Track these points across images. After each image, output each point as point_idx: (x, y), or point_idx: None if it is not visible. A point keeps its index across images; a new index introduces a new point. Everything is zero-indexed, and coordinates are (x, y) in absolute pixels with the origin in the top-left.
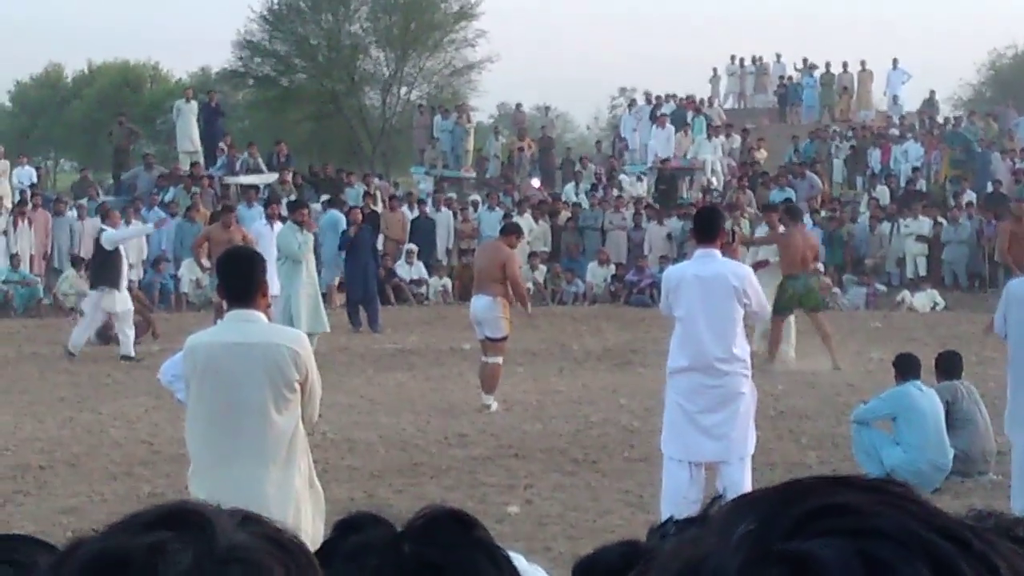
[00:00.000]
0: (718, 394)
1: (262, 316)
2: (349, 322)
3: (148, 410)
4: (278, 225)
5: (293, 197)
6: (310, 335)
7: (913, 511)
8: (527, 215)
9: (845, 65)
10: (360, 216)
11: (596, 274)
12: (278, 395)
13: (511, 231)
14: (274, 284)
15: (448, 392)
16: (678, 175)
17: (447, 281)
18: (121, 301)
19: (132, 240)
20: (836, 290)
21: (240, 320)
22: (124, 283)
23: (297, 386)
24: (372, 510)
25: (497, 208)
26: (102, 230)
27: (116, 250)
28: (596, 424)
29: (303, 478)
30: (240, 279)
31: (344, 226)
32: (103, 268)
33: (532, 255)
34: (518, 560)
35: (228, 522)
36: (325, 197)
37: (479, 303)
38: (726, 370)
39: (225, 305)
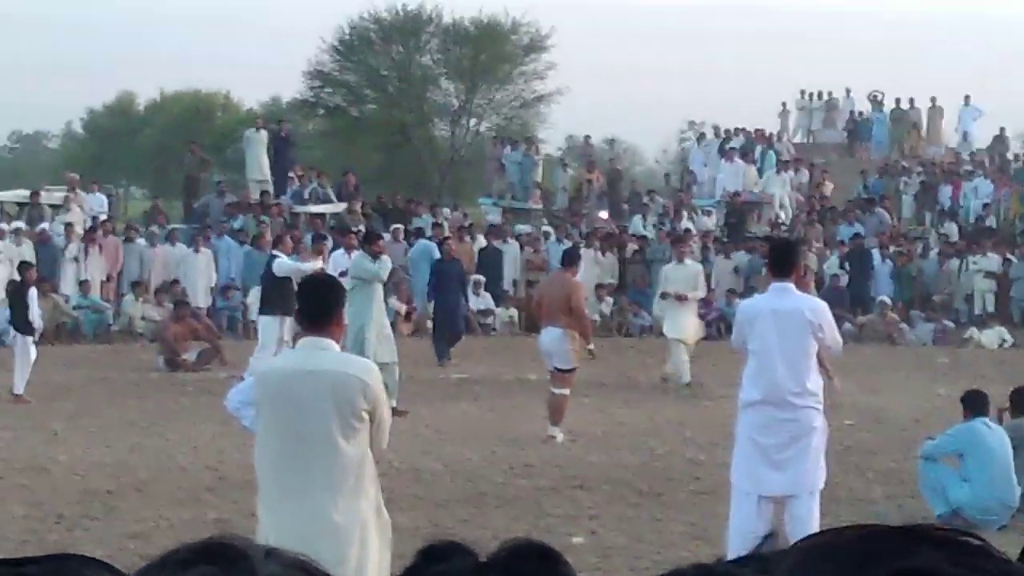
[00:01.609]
0: (791, 428)
1: (335, 344)
2: (436, 354)
3: (215, 437)
4: (356, 254)
5: (362, 227)
6: (382, 365)
7: (992, 570)
8: (595, 247)
9: (915, 101)
10: (452, 249)
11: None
12: (346, 424)
13: (572, 258)
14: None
15: (514, 422)
16: (746, 209)
17: (514, 312)
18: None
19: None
20: (904, 326)
21: (312, 347)
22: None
23: (365, 416)
24: (455, 539)
25: (565, 240)
26: (273, 256)
27: (287, 278)
28: (661, 456)
29: (371, 507)
30: (317, 305)
31: (436, 255)
32: (274, 294)
33: (599, 287)
34: None
35: (260, 555)
36: (395, 226)
37: (547, 335)
38: (800, 404)
39: (300, 331)
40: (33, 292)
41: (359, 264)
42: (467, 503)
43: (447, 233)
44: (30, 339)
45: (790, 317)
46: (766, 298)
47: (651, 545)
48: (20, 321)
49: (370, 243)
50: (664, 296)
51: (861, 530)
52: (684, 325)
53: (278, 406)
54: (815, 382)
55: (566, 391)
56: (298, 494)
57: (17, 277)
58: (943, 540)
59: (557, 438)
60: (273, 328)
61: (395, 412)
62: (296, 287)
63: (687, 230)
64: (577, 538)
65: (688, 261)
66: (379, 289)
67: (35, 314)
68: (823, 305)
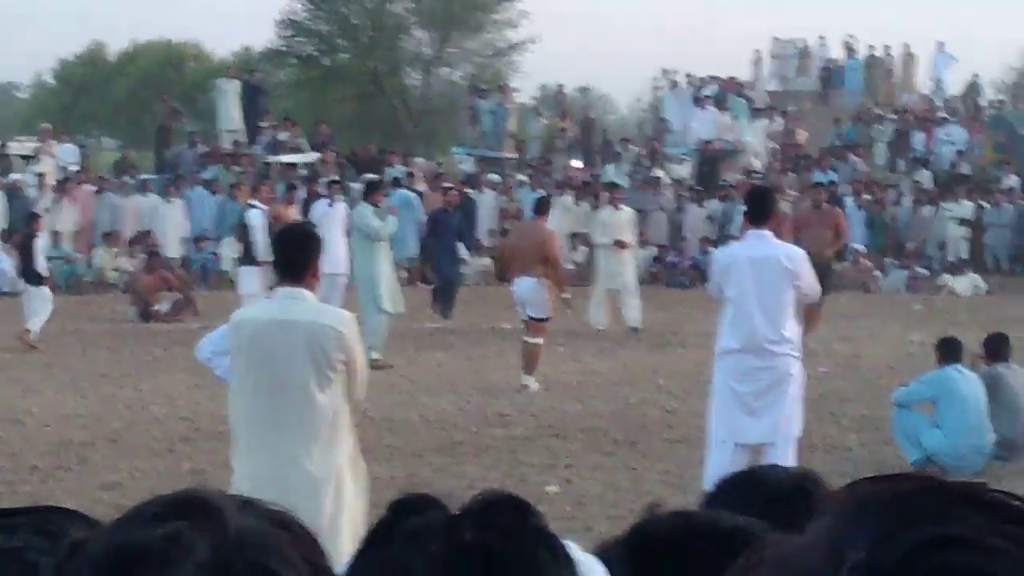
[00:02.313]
0: (768, 375)
1: (310, 294)
2: (440, 311)
3: (189, 387)
4: (339, 206)
5: (335, 177)
6: (384, 315)
7: None
8: (568, 196)
9: (889, 48)
10: (456, 199)
11: (637, 256)
12: (321, 375)
13: (545, 207)
14: (339, 263)
15: (488, 372)
16: (720, 157)
17: (488, 261)
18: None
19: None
20: (877, 273)
21: (288, 297)
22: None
23: (340, 366)
24: (426, 492)
25: (539, 189)
26: (251, 206)
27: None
28: (636, 405)
29: (346, 456)
30: (294, 256)
31: (416, 205)
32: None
33: (573, 236)
34: (572, 549)
35: (233, 507)
36: (368, 176)
37: (522, 284)
38: (777, 351)
39: (275, 280)
40: (38, 242)
41: (362, 218)
42: (442, 453)
43: (449, 184)
44: (40, 289)
45: (767, 264)
46: (743, 246)
47: (626, 493)
48: (28, 271)
49: (371, 194)
50: (604, 245)
51: (904, 484)
52: (624, 273)
53: (253, 356)
54: (792, 329)
55: (540, 340)
56: (273, 444)
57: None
58: (987, 503)
59: (531, 387)
60: (255, 279)
61: (375, 364)
62: (273, 239)
63: (656, 178)
64: (552, 487)
65: (623, 207)
66: (387, 240)
67: (41, 263)
68: (800, 252)
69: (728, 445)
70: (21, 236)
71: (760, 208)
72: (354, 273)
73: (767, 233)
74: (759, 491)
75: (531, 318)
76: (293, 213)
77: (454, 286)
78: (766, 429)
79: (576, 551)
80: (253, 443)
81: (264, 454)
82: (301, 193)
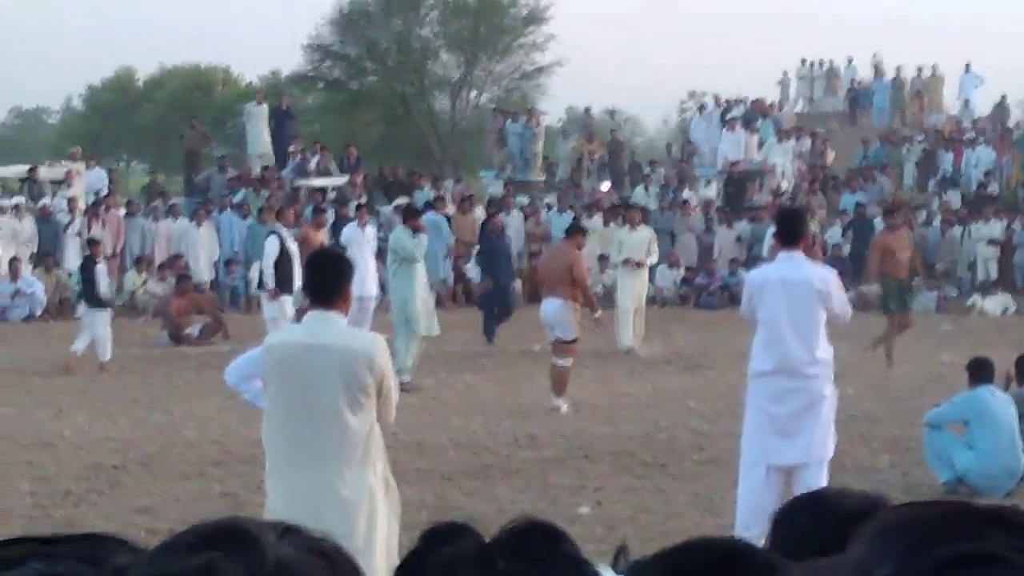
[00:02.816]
0: (802, 397)
1: (342, 319)
2: (485, 333)
3: (220, 411)
4: (369, 229)
5: (364, 199)
6: (415, 338)
7: None
8: (596, 218)
9: (919, 70)
10: (501, 224)
11: (665, 277)
12: (352, 398)
13: (576, 232)
14: (369, 286)
15: (518, 394)
16: (747, 178)
17: (517, 283)
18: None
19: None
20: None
21: (319, 321)
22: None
23: (372, 390)
24: (460, 520)
25: (568, 211)
26: (272, 231)
27: (289, 256)
28: (665, 427)
29: (378, 479)
30: (326, 280)
31: (445, 229)
32: (277, 272)
33: (602, 258)
34: (606, 572)
35: (272, 536)
36: (399, 200)
37: (549, 306)
38: (810, 373)
39: (307, 304)
40: (101, 267)
41: (399, 241)
42: (472, 475)
43: (492, 210)
44: (103, 313)
45: (799, 286)
46: (775, 267)
47: (656, 515)
48: (90, 295)
49: (410, 219)
50: (619, 264)
51: (931, 507)
52: (639, 293)
53: (285, 380)
54: (825, 351)
55: (568, 362)
56: (306, 467)
57: (13, 253)
58: (1014, 523)
59: (561, 409)
60: (270, 304)
61: (403, 387)
62: (304, 263)
63: (686, 200)
64: (582, 509)
65: (641, 227)
66: (421, 262)
67: (103, 287)
68: (832, 274)
69: (761, 467)
70: (84, 261)
71: (791, 229)
72: (389, 296)
73: (798, 254)
74: (829, 514)
75: (559, 340)
76: (322, 236)
77: (509, 312)
78: (799, 451)
79: (610, 575)
80: (286, 467)
81: (297, 478)
82: (329, 216)
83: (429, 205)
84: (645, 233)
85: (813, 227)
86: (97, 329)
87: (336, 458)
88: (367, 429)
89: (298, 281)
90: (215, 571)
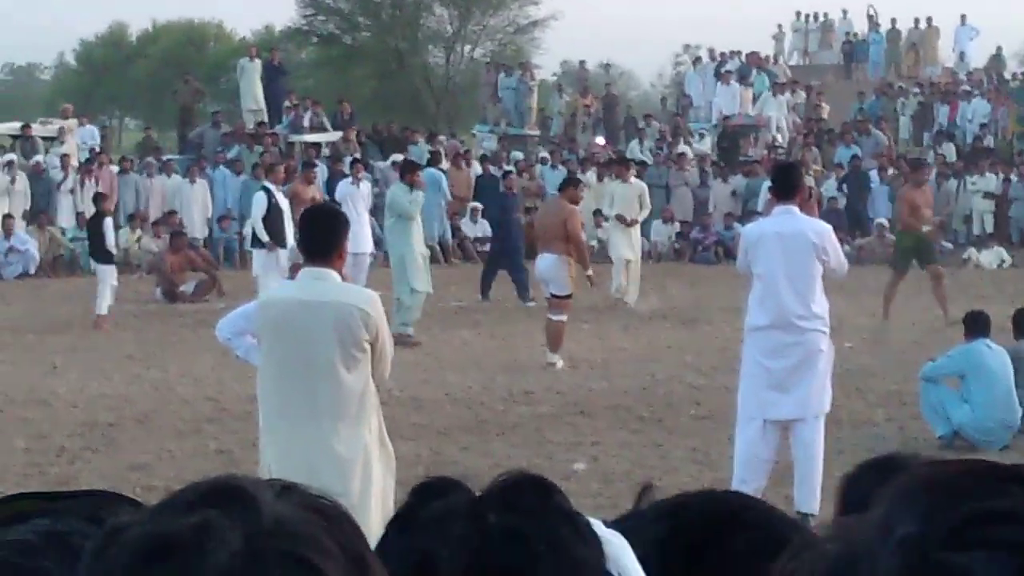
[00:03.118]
0: (798, 351)
1: (336, 275)
2: (480, 290)
3: (215, 368)
4: (364, 185)
5: (357, 155)
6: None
7: None
8: (591, 173)
9: (915, 22)
10: (513, 183)
11: (660, 232)
12: (347, 354)
13: (570, 185)
14: (364, 242)
15: (514, 350)
16: (742, 132)
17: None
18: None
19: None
20: None
21: (314, 278)
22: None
23: (367, 346)
24: (450, 475)
25: (560, 166)
26: (264, 187)
27: (280, 211)
28: (662, 382)
29: (373, 436)
30: (321, 236)
31: (443, 184)
32: (268, 227)
33: (596, 213)
34: (597, 526)
35: (269, 494)
36: (395, 156)
37: (543, 262)
38: (806, 327)
39: (302, 261)
40: (108, 221)
41: (396, 197)
42: (468, 431)
43: (512, 168)
44: (110, 268)
45: (795, 240)
46: (770, 221)
47: (653, 470)
48: (98, 251)
49: (408, 173)
50: (612, 219)
51: (954, 466)
52: (633, 245)
53: (280, 336)
54: (821, 305)
55: (563, 317)
56: (301, 424)
57: (6, 210)
58: None
59: (557, 365)
60: (261, 259)
61: (406, 340)
62: (297, 219)
63: (682, 154)
64: (579, 464)
65: (632, 180)
66: (417, 218)
67: (110, 243)
68: (827, 227)
69: (757, 421)
70: (91, 217)
71: (787, 183)
72: (387, 252)
73: (794, 208)
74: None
75: (553, 295)
76: (312, 191)
77: (521, 270)
78: (796, 405)
79: (602, 529)
80: (281, 424)
81: (292, 434)
82: (321, 171)
83: (430, 162)
84: (636, 187)
85: (809, 181)
86: (100, 283)
87: (331, 415)
88: (362, 386)
89: (290, 236)
90: (211, 529)
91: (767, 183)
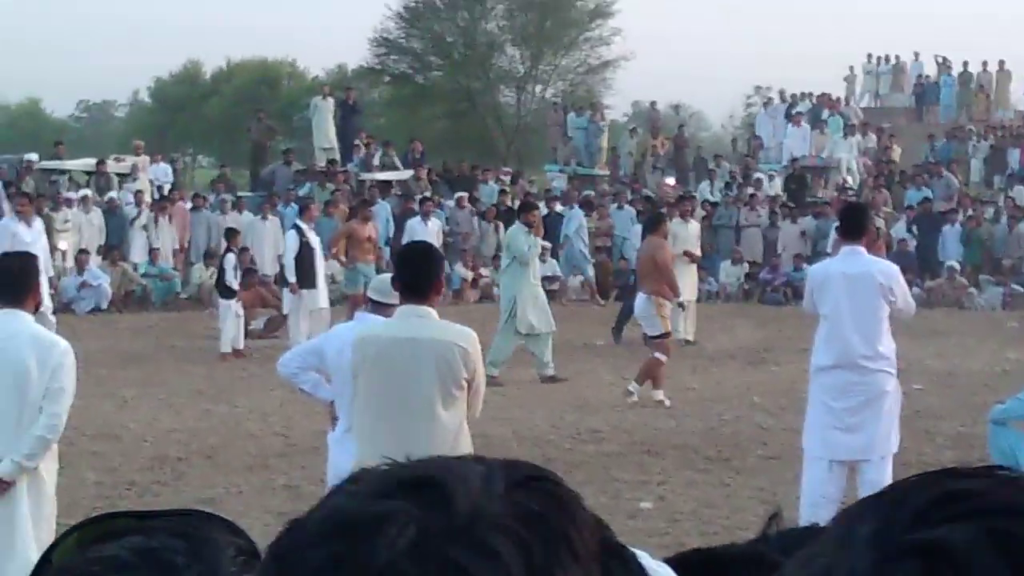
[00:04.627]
0: (864, 392)
1: (434, 312)
2: (613, 333)
3: (283, 403)
4: (433, 222)
5: (428, 193)
6: (535, 335)
7: None
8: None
9: (984, 64)
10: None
11: (730, 272)
12: (446, 392)
13: (658, 222)
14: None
15: (581, 388)
16: (811, 173)
17: (580, 278)
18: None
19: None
20: (972, 290)
21: (413, 315)
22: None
23: (464, 384)
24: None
25: (626, 206)
26: (297, 226)
27: (310, 250)
28: (729, 422)
29: None
30: (417, 274)
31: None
32: (297, 267)
33: None
34: (644, 558)
35: (481, 490)
36: (460, 193)
37: (638, 301)
38: (872, 368)
39: (399, 299)
40: (229, 257)
41: (514, 239)
42: None
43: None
44: (231, 302)
45: (861, 280)
46: (837, 262)
47: (720, 510)
48: (219, 285)
49: (525, 213)
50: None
51: (894, 483)
52: (691, 285)
53: (379, 373)
54: (887, 345)
55: (662, 357)
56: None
57: (80, 245)
58: (975, 472)
59: (633, 396)
60: (288, 299)
61: (552, 379)
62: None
63: (752, 195)
64: (645, 503)
65: (691, 220)
66: (536, 262)
67: (228, 278)
68: (894, 268)
69: (823, 462)
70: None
71: (854, 224)
72: (500, 291)
73: (861, 249)
74: None
75: (647, 336)
76: (369, 230)
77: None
78: (862, 446)
79: (648, 560)
80: (376, 462)
81: None
82: (380, 209)
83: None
84: (696, 227)
85: (879, 223)
86: (225, 319)
87: (428, 453)
88: (457, 424)
89: (321, 276)
90: (389, 520)
91: (836, 224)
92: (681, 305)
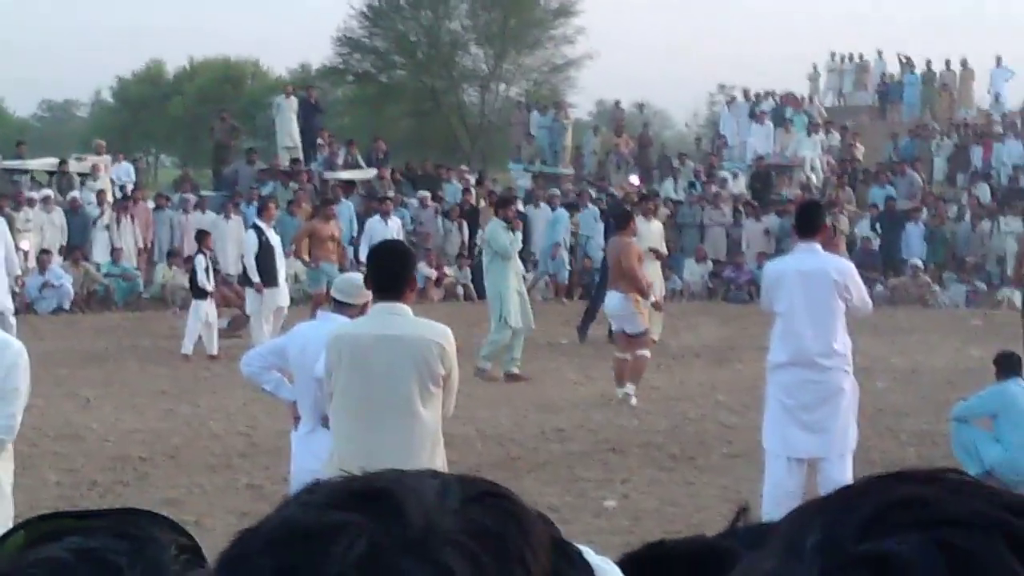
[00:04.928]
0: (819, 389)
1: (408, 310)
2: (578, 332)
3: (246, 403)
4: (394, 221)
5: (391, 193)
6: (519, 333)
7: (977, 495)
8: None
9: (947, 63)
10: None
11: (693, 271)
12: (424, 389)
13: (625, 219)
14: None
15: (545, 387)
16: (775, 172)
17: (545, 277)
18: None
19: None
20: (936, 288)
21: (388, 313)
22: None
23: (441, 380)
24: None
25: (590, 205)
26: (256, 226)
27: (272, 250)
28: (693, 420)
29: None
30: (391, 272)
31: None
32: (259, 266)
33: None
34: (588, 554)
35: (435, 504)
36: (423, 192)
37: (611, 299)
38: (827, 365)
39: (371, 297)
40: (199, 258)
41: (494, 235)
42: (499, 468)
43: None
44: (201, 303)
45: (816, 277)
46: (792, 259)
47: (684, 508)
48: (192, 286)
49: (503, 208)
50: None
51: (842, 487)
52: (657, 284)
53: (356, 371)
54: (842, 343)
55: (646, 352)
56: (375, 461)
57: (42, 245)
58: (923, 476)
59: (632, 399)
60: (251, 299)
61: (515, 377)
62: (370, 254)
63: (717, 193)
64: (609, 502)
65: (654, 219)
66: (516, 256)
67: (201, 278)
68: (849, 265)
69: (782, 459)
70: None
71: (809, 221)
72: (484, 288)
73: (816, 246)
74: None
75: (626, 333)
76: (332, 229)
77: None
78: (819, 443)
79: (592, 556)
80: (354, 460)
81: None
82: (342, 208)
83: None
84: (659, 224)
85: (842, 221)
86: (191, 318)
87: (407, 452)
88: (435, 422)
89: (282, 275)
90: (342, 532)
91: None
92: (656, 305)
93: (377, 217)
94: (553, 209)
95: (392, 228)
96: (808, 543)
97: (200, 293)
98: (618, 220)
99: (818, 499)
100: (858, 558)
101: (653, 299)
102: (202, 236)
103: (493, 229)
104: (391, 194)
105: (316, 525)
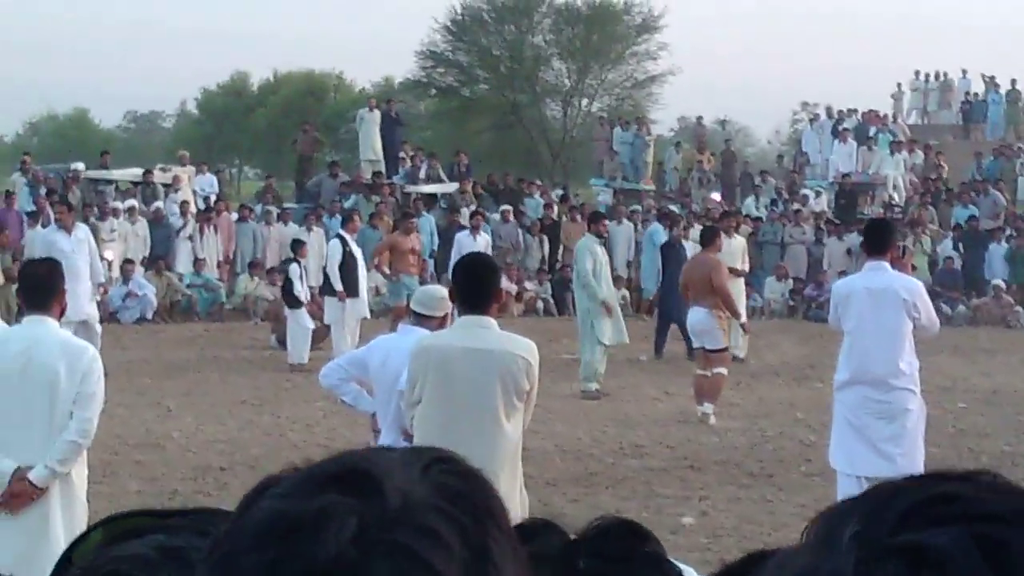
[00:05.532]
0: (883, 409)
1: (494, 323)
2: (655, 347)
3: (326, 414)
4: (482, 237)
5: (473, 207)
6: (608, 346)
7: (1012, 492)
8: (696, 228)
9: None
10: (680, 237)
11: (774, 288)
12: (508, 403)
13: (713, 236)
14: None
15: (624, 403)
16: (858, 190)
17: (625, 293)
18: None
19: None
20: (1018, 308)
21: (474, 326)
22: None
23: (525, 395)
24: (546, 517)
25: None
26: (340, 236)
27: (355, 260)
28: (772, 438)
29: (517, 486)
30: (477, 285)
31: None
32: (343, 276)
33: None
34: (689, 573)
35: (403, 476)
36: (504, 207)
37: (695, 315)
38: (894, 384)
39: (457, 310)
40: (294, 267)
41: (581, 253)
42: (577, 483)
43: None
44: (298, 311)
45: (884, 296)
46: (860, 277)
47: (761, 526)
48: (287, 295)
49: (595, 223)
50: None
51: (878, 484)
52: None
53: (440, 383)
54: (909, 363)
55: (723, 370)
56: None
57: (126, 255)
58: (959, 475)
59: (711, 419)
60: (333, 308)
61: (592, 396)
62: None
63: (798, 211)
64: (687, 519)
65: (736, 236)
66: (607, 270)
67: (296, 287)
68: (918, 284)
69: (852, 478)
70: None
71: (878, 238)
72: (574, 306)
73: (885, 264)
74: None
75: (706, 350)
76: (412, 242)
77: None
78: (885, 463)
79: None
80: None
81: None
82: (422, 222)
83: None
84: (741, 241)
85: (926, 241)
86: (292, 329)
87: (492, 464)
88: (518, 436)
89: (363, 286)
90: (330, 515)
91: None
92: (744, 327)
93: (466, 232)
94: (636, 227)
95: (480, 243)
96: (845, 535)
97: (295, 302)
98: (705, 237)
99: (854, 497)
100: (894, 549)
101: (743, 321)
102: (297, 245)
103: (582, 246)
104: (476, 209)
105: (302, 512)
